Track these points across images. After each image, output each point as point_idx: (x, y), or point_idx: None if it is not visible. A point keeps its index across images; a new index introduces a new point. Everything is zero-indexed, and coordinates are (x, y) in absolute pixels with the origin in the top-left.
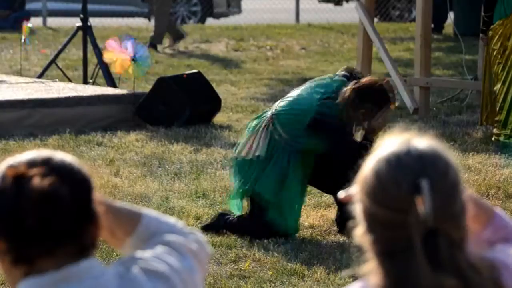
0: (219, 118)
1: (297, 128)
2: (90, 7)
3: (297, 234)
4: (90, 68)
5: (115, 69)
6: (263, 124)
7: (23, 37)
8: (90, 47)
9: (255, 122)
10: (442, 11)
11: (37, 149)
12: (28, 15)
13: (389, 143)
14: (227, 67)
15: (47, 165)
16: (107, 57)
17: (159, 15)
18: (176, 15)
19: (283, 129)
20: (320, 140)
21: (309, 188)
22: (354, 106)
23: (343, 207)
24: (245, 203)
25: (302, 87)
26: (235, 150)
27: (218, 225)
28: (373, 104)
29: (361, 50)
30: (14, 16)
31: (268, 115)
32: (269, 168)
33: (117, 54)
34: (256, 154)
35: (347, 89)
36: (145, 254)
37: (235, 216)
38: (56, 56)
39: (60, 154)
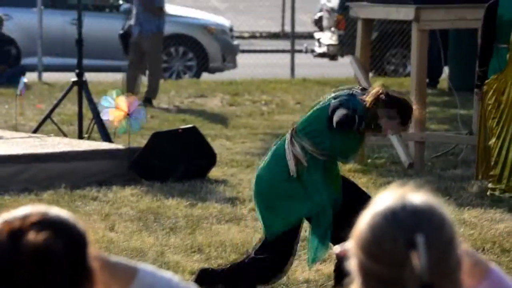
0: (214, 172)
1: (317, 128)
2: (85, 62)
3: None
4: (85, 123)
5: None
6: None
7: (18, 91)
8: (85, 102)
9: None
10: (437, 65)
11: (32, 204)
12: (23, 70)
13: (385, 198)
14: (222, 122)
15: (42, 220)
16: (112, 114)
17: (153, 69)
18: (172, 69)
19: (304, 134)
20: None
21: (304, 242)
22: (380, 105)
23: (341, 261)
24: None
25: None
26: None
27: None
28: (398, 111)
29: None
30: (9, 71)
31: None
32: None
33: (114, 111)
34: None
35: (377, 88)
36: None
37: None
38: (51, 111)
39: (55, 209)
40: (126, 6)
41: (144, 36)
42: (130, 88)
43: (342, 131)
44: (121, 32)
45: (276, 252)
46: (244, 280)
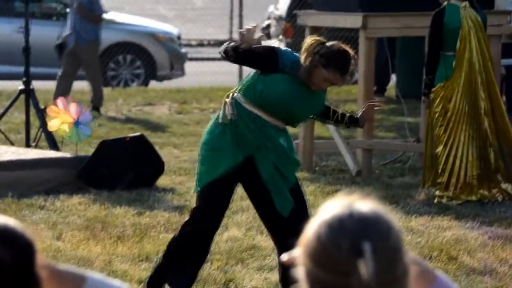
0: (162, 181)
1: (251, 77)
2: (32, 70)
3: None
4: (33, 131)
5: (53, 128)
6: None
7: None
8: (32, 110)
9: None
10: (385, 73)
11: None
12: None
13: (331, 206)
14: (170, 130)
15: None
16: (50, 113)
17: (94, 78)
18: (119, 78)
19: (241, 88)
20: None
21: (252, 250)
22: (316, 61)
23: (287, 269)
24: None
25: None
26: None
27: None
28: (334, 67)
29: None
30: None
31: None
32: None
33: (62, 115)
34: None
35: (310, 41)
36: None
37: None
38: None
39: (2, 218)
40: None
41: (82, 45)
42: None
43: (224, 58)
44: (57, 42)
45: (201, 209)
46: (175, 255)
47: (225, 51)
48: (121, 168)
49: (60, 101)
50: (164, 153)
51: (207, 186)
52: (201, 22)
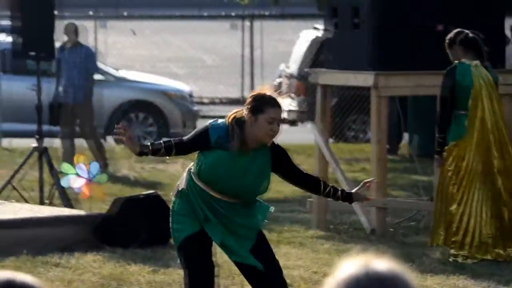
0: None
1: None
2: (45, 127)
3: None
4: (47, 189)
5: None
6: None
7: None
8: (46, 168)
9: None
10: (397, 132)
11: None
12: None
13: (348, 265)
14: None
15: (8, 286)
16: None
17: (94, 134)
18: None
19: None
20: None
21: None
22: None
23: None
24: None
25: None
26: None
27: None
28: (260, 104)
29: (317, 171)
30: None
31: None
32: None
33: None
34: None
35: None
36: None
37: None
38: (12, 176)
39: (21, 275)
40: None
41: (79, 103)
42: (68, 159)
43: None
44: (51, 101)
45: (187, 263)
46: None
47: (158, 149)
48: (136, 226)
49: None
50: None
51: (184, 241)
52: (213, 80)
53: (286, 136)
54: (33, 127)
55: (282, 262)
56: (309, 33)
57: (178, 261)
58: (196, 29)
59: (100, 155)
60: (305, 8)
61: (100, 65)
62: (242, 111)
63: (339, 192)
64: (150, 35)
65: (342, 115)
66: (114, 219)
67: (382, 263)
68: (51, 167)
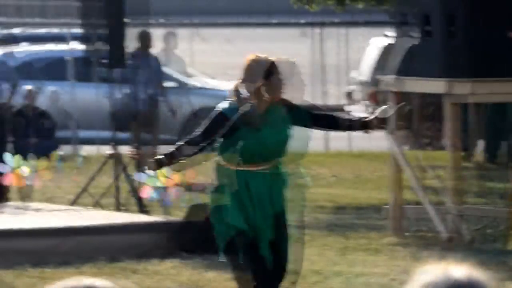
0: None
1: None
2: (120, 135)
3: None
4: (122, 195)
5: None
6: None
7: (54, 163)
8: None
9: None
10: (472, 139)
11: (75, 277)
12: (57, 143)
13: (426, 272)
14: None
15: None
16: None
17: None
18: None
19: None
20: None
21: None
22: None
23: None
24: None
25: None
26: None
27: None
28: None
29: (392, 178)
30: (43, 144)
31: None
32: None
33: None
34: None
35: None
36: None
37: None
38: (88, 184)
39: (100, 281)
40: None
41: (149, 110)
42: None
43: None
44: (121, 108)
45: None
46: None
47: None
48: (212, 232)
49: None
50: None
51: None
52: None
53: (360, 143)
54: (108, 134)
55: (359, 269)
56: (379, 40)
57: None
58: (265, 37)
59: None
60: (375, 15)
61: (172, 72)
62: (238, 85)
63: (358, 123)
64: (221, 42)
65: (416, 122)
66: (191, 226)
67: (460, 270)
68: (126, 174)
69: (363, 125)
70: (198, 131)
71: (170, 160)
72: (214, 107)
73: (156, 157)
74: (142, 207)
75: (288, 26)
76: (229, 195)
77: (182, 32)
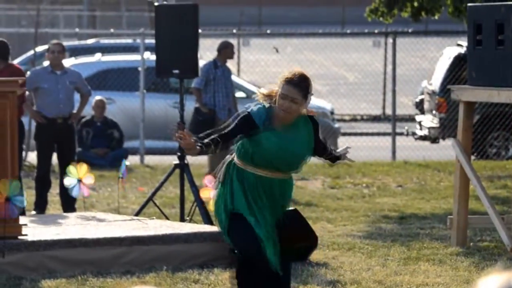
0: (316, 255)
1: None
2: None
3: None
4: (187, 205)
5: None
6: None
7: (120, 174)
8: (187, 185)
9: None
10: None
11: (137, 287)
12: (126, 153)
13: (489, 281)
14: (324, 205)
15: None
16: (203, 195)
17: None
18: None
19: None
20: None
21: None
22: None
23: None
24: None
25: None
26: None
27: None
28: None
29: (458, 188)
30: (112, 155)
31: None
32: None
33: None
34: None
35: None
36: None
37: None
38: (154, 193)
39: None
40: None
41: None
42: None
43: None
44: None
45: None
46: None
47: (209, 145)
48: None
49: (210, 177)
50: (318, 228)
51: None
52: (354, 97)
53: (427, 152)
54: (175, 144)
55: (421, 279)
56: (452, 50)
57: (316, 277)
58: (338, 46)
59: None
60: (449, 25)
61: (242, 82)
62: (273, 92)
63: (332, 155)
64: (292, 52)
65: (484, 132)
66: None
67: None
68: (192, 184)
69: (337, 157)
70: (225, 128)
71: (206, 150)
72: None
73: (197, 144)
74: (206, 218)
75: (361, 36)
76: (237, 189)
77: (255, 42)
